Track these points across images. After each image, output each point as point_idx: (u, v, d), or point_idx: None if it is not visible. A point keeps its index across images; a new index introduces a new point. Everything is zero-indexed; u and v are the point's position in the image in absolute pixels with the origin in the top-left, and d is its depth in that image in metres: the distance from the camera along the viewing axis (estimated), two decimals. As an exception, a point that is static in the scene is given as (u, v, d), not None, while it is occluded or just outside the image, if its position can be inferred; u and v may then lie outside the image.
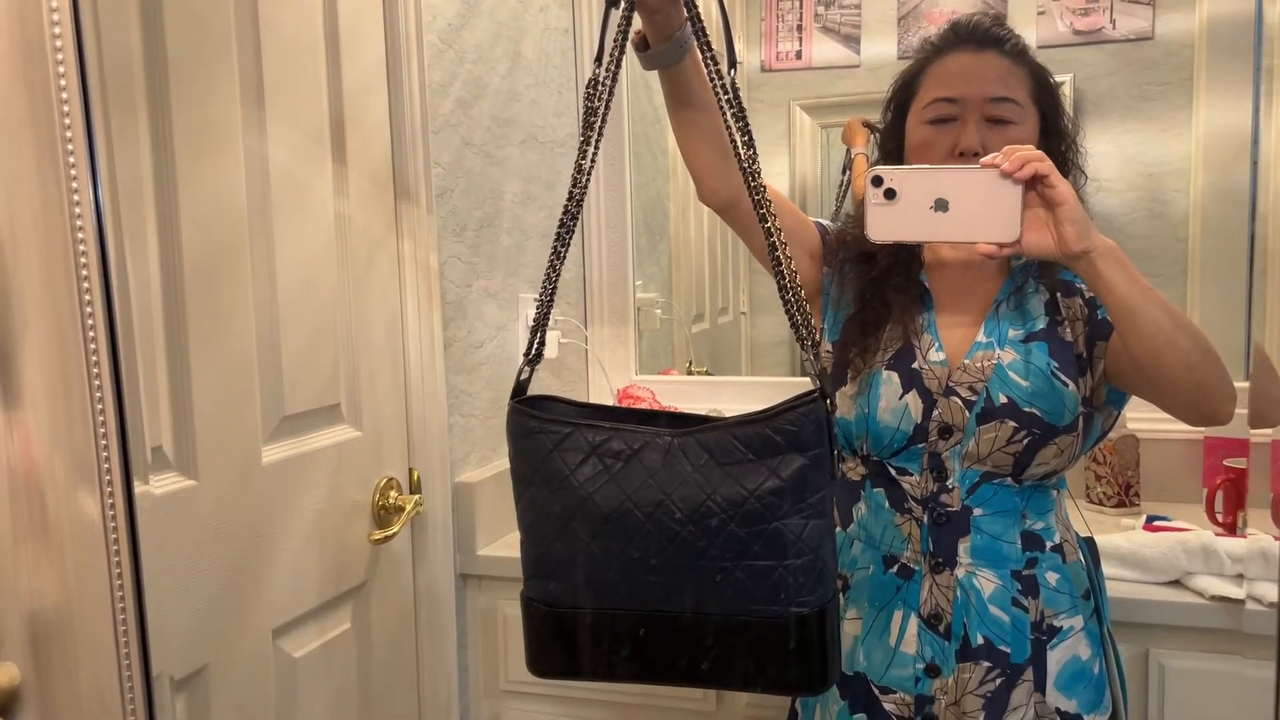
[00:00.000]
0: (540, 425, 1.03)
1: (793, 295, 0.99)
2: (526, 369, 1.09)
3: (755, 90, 2.28)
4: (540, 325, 1.09)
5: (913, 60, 1.26)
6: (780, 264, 0.99)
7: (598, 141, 1.05)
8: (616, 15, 1.05)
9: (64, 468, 0.71)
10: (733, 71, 1.01)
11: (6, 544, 0.71)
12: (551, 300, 1.08)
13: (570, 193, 1.06)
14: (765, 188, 1.00)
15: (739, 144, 1.00)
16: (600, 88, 1.04)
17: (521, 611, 1.06)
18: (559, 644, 1.04)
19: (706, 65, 1.01)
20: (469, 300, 1.74)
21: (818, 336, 1.29)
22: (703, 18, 1.04)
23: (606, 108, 1.04)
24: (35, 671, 0.72)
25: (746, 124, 1.00)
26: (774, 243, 0.98)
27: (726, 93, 1.00)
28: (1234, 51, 1.91)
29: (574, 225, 1.07)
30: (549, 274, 1.08)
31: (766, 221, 0.99)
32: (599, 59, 1.05)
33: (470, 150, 1.73)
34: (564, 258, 1.07)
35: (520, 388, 1.08)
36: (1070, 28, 2.01)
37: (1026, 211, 0.97)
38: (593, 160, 1.06)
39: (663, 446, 0.99)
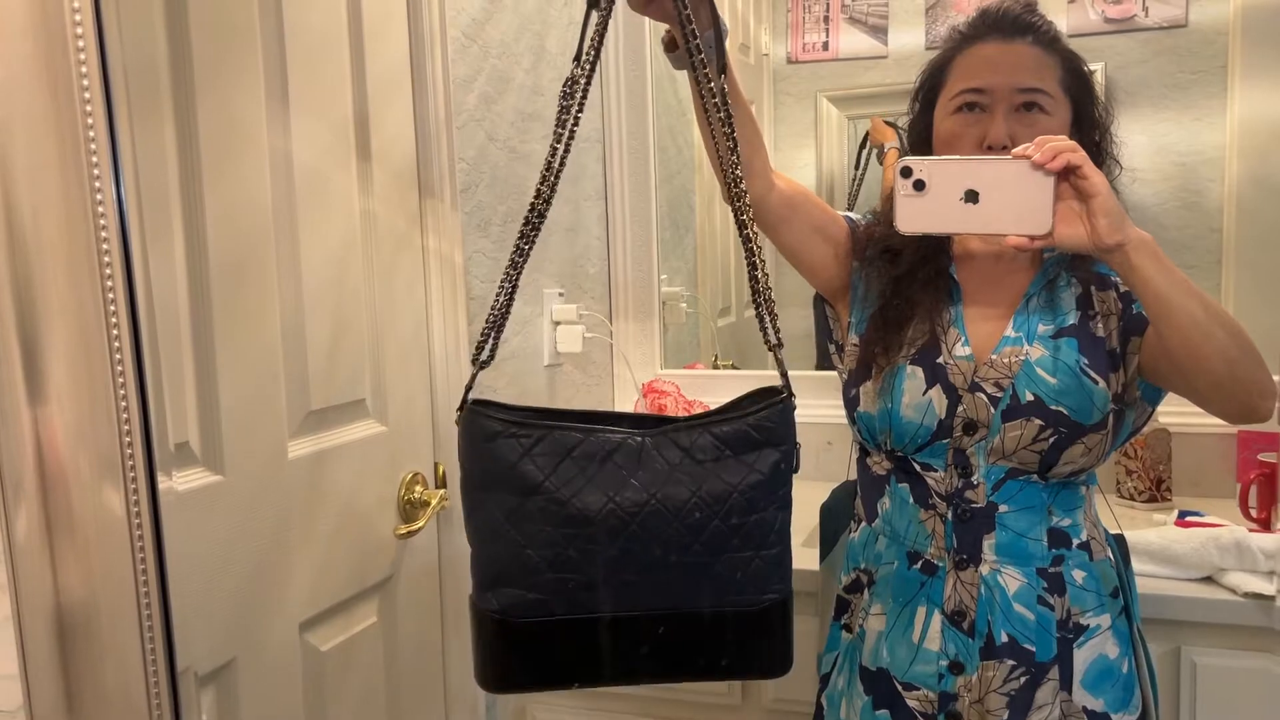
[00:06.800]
0: (508, 429, 0.98)
1: (765, 299, 1.01)
2: (475, 374, 1.06)
3: (781, 82, 2.26)
4: (494, 328, 1.06)
5: (941, 50, 1.25)
6: (756, 268, 1.00)
7: (569, 142, 1.05)
8: (596, 17, 1.04)
9: (88, 463, 0.72)
10: (722, 76, 1.03)
11: (33, 539, 0.72)
12: (510, 304, 1.05)
13: (539, 190, 1.04)
14: (746, 193, 1.01)
15: (721, 149, 1.02)
16: (575, 87, 1.04)
17: (474, 625, 1.01)
18: (521, 655, 0.99)
19: (694, 69, 1.00)
20: (493, 296, 1.73)
21: (845, 331, 1.29)
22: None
23: (580, 108, 1.04)
24: (61, 666, 0.73)
25: (732, 130, 1.01)
26: (752, 248, 1.00)
27: (714, 97, 1.01)
28: (1269, 38, 1.87)
29: (540, 224, 1.04)
30: (509, 273, 1.05)
31: (746, 228, 1.00)
32: (577, 58, 1.04)
33: (494, 145, 1.73)
34: (527, 256, 1.05)
35: (468, 392, 1.05)
36: (1102, 15, 1.98)
37: (1059, 203, 0.96)
38: (562, 161, 1.05)
39: (635, 447, 0.99)
